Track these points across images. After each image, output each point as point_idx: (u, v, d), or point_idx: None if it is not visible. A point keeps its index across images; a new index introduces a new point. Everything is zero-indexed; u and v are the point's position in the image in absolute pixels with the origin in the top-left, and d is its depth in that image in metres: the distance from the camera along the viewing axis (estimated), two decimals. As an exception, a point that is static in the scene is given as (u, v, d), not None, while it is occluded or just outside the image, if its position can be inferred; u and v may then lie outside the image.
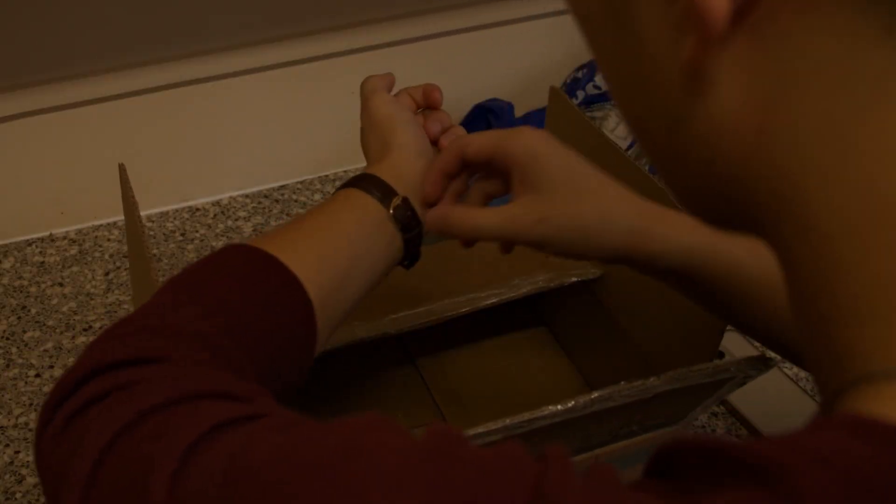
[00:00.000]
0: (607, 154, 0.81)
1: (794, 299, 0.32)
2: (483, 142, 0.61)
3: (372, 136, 0.67)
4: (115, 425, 0.40)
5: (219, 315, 0.49)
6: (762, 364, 0.63)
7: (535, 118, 1.13)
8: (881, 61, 0.27)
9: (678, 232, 0.59)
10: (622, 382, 0.59)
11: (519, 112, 1.15)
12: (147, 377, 0.42)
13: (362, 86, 0.69)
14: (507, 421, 0.56)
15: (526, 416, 0.57)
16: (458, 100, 1.16)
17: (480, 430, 0.56)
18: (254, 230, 1.06)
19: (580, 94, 1.14)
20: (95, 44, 0.98)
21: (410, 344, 0.90)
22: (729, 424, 0.87)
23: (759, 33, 0.29)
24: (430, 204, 0.63)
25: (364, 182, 0.62)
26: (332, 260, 0.56)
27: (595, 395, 0.58)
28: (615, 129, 1.11)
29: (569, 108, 0.85)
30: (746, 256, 0.59)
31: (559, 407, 0.57)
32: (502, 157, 0.60)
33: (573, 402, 0.58)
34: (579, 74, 1.16)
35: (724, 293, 0.60)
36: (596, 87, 1.14)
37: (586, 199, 0.59)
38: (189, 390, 0.41)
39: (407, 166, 0.63)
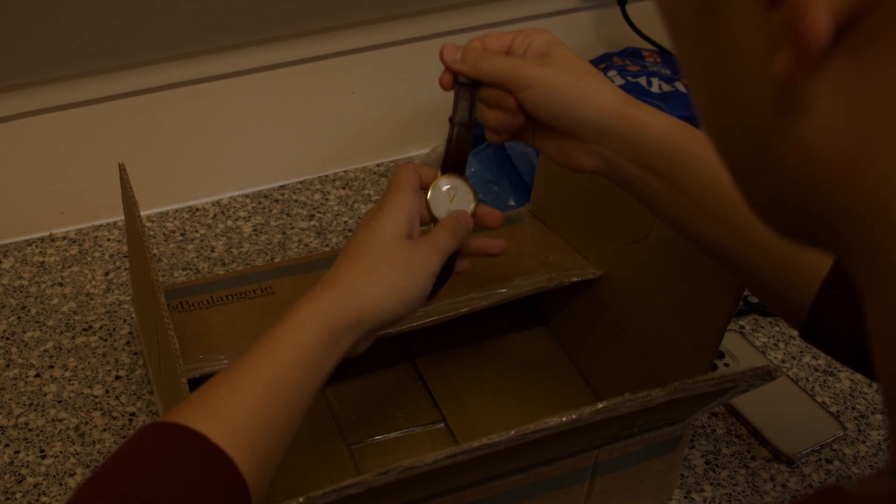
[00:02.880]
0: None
1: (877, 336, 0.29)
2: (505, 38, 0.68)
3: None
4: None
5: None
6: (767, 374, 0.63)
7: (536, 118, 1.13)
8: None
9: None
10: (626, 394, 0.59)
11: (519, 112, 1.15)
12: None
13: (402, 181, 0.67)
14: (512, 433, 0.56)
15: (531, 427, 0.57)
16: (458, 100, 1.16)
17: (485, 441, 0.56)
18: (254, 230, 1.06)
19: (580, 94, 1.14)
20: (95, 44, 0.98)
21: (410, 344, 0.90)
22: (729, 424, 0.87)
23: (860, 53, 0.27)
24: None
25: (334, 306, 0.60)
26: (272, 422, 0.55)
27: (600, 406, 0.58)
28: (615, 128, 1.10)
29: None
30: None
31: (563, 419, 0.58)
32: (522, 47, 0.67)
33: (576, 415, 0.58)
34: (579, 74, 1.16)
35: (700, 176, 0.62)
36: (596, 87, 1.14)
37: (588, 73, 0.65)
38: None
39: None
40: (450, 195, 0.70)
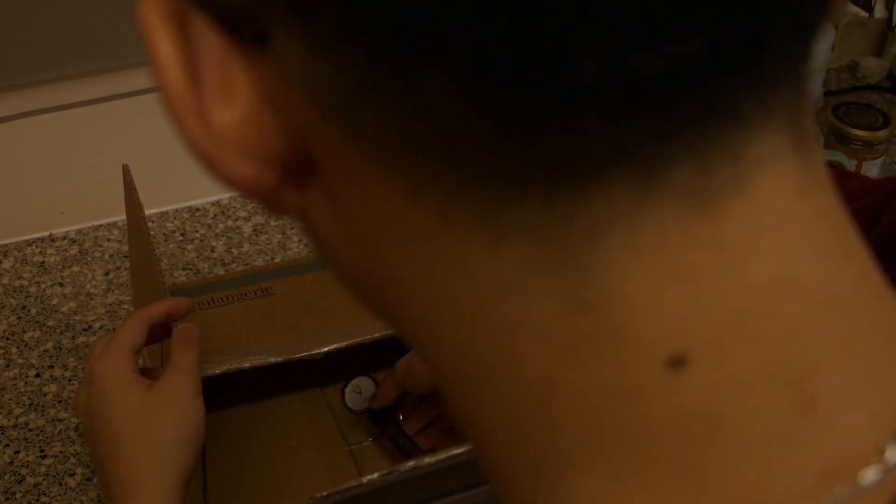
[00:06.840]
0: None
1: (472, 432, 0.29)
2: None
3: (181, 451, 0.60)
4: None
5: None
6: None
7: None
8: (419, 220, 0.25)
9: None
10: None
11: (519, 113, 1.15)
12: None
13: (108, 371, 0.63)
14: None
15: None
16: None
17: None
18: (254, 230, 1.06)
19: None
20: (95, 44, 0.98)
21: (410, 344, 0.90)
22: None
23: (326, 186, 0.27)
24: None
25: None
26: None
27: None
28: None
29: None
30: None
31: None
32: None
33: None
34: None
35: None
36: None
37: None
38: None
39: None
40: None
